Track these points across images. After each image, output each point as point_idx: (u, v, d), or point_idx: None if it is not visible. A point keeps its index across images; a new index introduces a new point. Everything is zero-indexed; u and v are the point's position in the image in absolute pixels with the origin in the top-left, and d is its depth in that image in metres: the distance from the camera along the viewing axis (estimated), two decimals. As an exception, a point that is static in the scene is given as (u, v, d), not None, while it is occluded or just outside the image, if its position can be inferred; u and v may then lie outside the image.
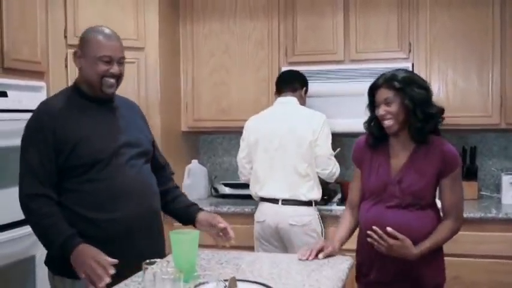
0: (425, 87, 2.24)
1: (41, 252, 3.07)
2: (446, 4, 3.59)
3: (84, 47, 2.17)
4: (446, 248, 3.25)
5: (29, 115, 2.96)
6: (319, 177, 3.22)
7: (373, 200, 2.31)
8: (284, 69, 3.74)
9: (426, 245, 2.20)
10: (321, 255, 2.19)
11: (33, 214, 2.09)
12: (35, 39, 3.11)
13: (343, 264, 2.09)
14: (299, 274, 2.03)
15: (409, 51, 3.65)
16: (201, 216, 2.31)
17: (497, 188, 3.83)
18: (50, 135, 2.09)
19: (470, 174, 3.80)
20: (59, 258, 2.09)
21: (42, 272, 3.09)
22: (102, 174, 2.11)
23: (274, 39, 3.86)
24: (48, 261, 2.26)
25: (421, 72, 3.62)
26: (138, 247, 2.13)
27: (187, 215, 2.34)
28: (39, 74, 3.16)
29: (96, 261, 1.92)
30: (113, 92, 2.22)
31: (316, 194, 3.19)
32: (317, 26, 3.78)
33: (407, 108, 2.19)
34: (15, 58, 2.92)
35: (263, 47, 3.88)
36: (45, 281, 3.11)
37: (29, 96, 3.01)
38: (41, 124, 2.12)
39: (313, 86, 3.56)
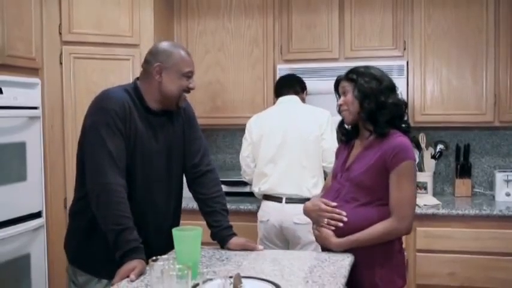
0: (377, 78, 2.22)
1: (36, 250, 3.06)
2: (440, 3, 3.61)
3: (167, 61, 2.17)
4: (441, 244, 3.32)
5: (24, 112, 2.98)
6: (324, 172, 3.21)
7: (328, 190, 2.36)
8: (279, 67, 3.76)
9: (350, 237, 2.17)
10: None
11: (111, 208, 2.02)
12: (30, 36, 3.09)
13: (345, 261, 2.09)
14: (301, 271, 2.03)
15: (404, 49, 3.67)
16: (233, 241, 2.29)
17: (491, 186, 3.87)
18: (122, 126, 2.10)
19: (464, 171, 3.83)
20: (81, 253, 2.20)
21: (37, 270, 3.08)
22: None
23: (269, 36, 3.86)
24: (67, 249, 2.32)
25: (415, 70, 3.65)
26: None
27: (219, 236, 2.31)
28: (34, 71, 3.14)
29: (131, 268, 1.92)
30: (185, 104, 2.32)
31: (320, 189, 3.17)
32: (312, 24, 3.79)
33: (357, 98, 2.22)
34: (10, 54, 2.90)
35: (258, 45, 3.88)
36: (40, 279, 3.11)
37: (24, 92, 3.00)
38: (115, 113, 2.09)
39: (308, 84, 3.56)
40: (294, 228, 3.08)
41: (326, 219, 2.22)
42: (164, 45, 2.25)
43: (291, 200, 3.11)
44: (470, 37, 3.58)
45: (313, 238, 2.96)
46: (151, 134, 2.21)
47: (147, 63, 2.22)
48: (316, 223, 2.29)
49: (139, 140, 2.16)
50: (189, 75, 2.20)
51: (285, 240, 3.14)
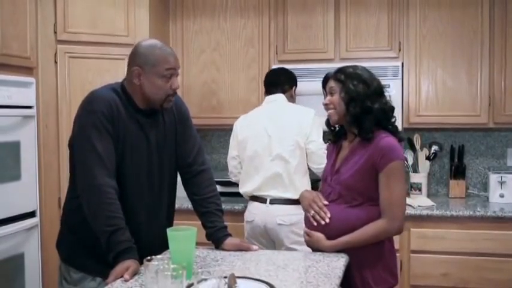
0: (365, 82, 2.21)
1: (29, 250, 3.05)
2: (436, 4, 3.62)
3: (145, 64, 2.12)
4: (435, 245, 3.32)
5: (18, 111, 2.97)
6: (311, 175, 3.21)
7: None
8: (275, 67, 3.74)
9: (342, 239, 2.19)
10: None
11: (102, 209, 2.01)
12: (25, 35, 3.07)
13: (339, 261, 2.10)
14: (296, 271, 2.03)
15: (399, 50, 3.67)
16: (227, 241, 2.29)
17: (485, 187, 3.88)
18: (110, 127, 2.09)
19: (458, 173, 3.84)
20: (75, 252, 2.19)
21: (31, 269, 3.07)
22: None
23: (264, 37, 3.86)
24: (60, 248, 2.31)
25: (410, 71, 3.66)
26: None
27: (214, 237, 2.30)
28: (28, 70, 3.13)
29: (125, 268, 1.92)
30: (171, 105, 2.23)
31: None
32: (308, 25, 3.79)
33: (343, 100, 2.22)
34: (4, 53, 2.88)
35: (253, 45, 3.88)
36: (34, 278, 3.10)
37: (19, 91, 2.99)
38: (103, 115, 2.08)
39: (303, 85, 3.56)
40: (277, 229, 3.08)
41: (312, 212, 2.25)
42: (142, 46, 2.18)
43: (275, 201, 3.12)
44: (465, 38, 3.59)
45: (297, 238, 2.99)
46: (141, 132, 2.19)
47: (128, 65, 2.19)
48: (305, 210, 2.31)
49: (128, 139, 2.15)
50: (167, 76, 2.13)
51: (271, 240, 3.15)
